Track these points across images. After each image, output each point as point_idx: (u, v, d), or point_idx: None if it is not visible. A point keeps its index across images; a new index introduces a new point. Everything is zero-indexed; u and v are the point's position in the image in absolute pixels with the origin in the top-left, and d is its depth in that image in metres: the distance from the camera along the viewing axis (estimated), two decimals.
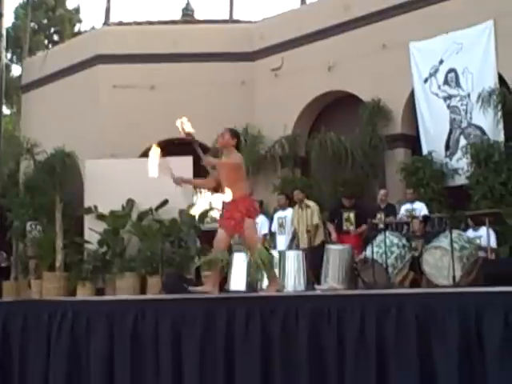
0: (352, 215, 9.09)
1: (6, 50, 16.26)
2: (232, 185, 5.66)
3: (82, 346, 4.75)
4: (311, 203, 9.42)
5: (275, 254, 7.21)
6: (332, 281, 7.49)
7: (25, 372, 5.01)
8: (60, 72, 13.85)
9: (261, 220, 9.48)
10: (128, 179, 10.92)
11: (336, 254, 7.69)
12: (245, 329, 4.04)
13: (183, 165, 10.93)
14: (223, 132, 5.91)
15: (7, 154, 13.41)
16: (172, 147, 11.85)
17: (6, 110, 19.61)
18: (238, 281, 8.25)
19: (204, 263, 6.18)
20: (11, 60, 20.78)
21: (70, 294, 9.99)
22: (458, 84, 10.29)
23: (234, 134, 5.88)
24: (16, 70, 21.42)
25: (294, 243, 9.41)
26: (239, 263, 8.58)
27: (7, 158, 13.16)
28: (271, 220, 9.75)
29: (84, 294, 9.75)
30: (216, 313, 4.25)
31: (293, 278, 7.61)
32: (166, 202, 10.71)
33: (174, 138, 12.25)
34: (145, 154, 12.10)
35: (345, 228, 9.07)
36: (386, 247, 7.33)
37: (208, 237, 11.12)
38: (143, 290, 9.62)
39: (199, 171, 10.99)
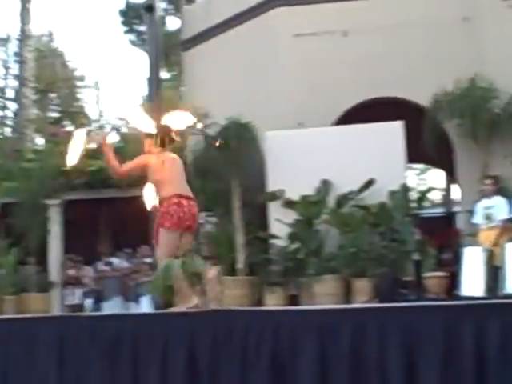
0: None
1: None
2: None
3: (286, 363, 5.18)
4: None
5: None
6: None
7: None
8: (227, 21, 14.46)
9: (498, 202, 9.53)
10: (321, 154, 11.32)
11: None
12: None
13: (392, 131, 11.16)
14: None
15: None
16: (378, 108, 12.14)
17: (164, 74, 20.89)
18: (472, 284, 8.40)
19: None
20: (166, 11, 22.07)
21: (255, 302, 10.57)
22: None
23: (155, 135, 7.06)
24: (173, 24, 22.70)
25: None
26: (473, 261, 8.70)
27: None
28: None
29: (274, 302, 10.30)
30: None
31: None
32: (371, 182, 10.95)
33: (378, 97, 12.55)
34: (342, 121, 12.49)
35: None
36: None
37: (428, 225, 11.33)
38: (348, 297, 9.99)
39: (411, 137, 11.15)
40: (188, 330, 5.65)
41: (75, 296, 16.49)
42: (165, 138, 7.09)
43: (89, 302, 16.06)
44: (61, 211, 16.53)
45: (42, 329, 6.45)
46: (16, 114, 26.94)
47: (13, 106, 29.79)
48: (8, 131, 28.48)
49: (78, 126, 32.35)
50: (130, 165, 7.13)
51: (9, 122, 29.99)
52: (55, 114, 33.11)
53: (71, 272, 16.80)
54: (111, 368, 5.90)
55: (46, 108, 32.42)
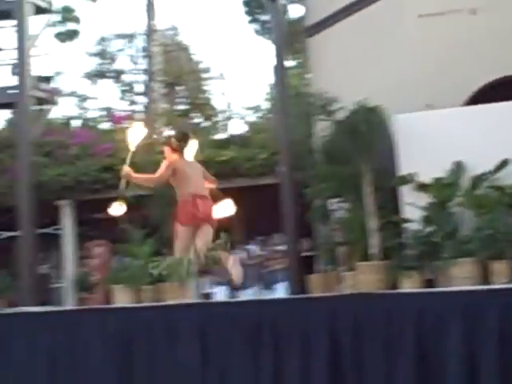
0: None
1: None
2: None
3: (430, 347, 5.22)
4: None
5: None
6: None
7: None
8: (351, 5, 14.47)
9: None
10: (452, 136, 11.21)
11: None
12: None
13: None
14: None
15: (296, 115, 14.45)
16: (509, 86, 11.88)
17: (289, 62, 21.07)
18: None
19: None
20: None
21: (391, 287, 10.59)
22: None
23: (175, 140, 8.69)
24: (296, 11, 22.85)
25: None
26: None
27: (299, 120, 14.12)
28: None
29: (409, 287, 10.28)
30: None
31: None
32: (506, 162, 10.77)
33: (508, 75, 12.28)
34: (472, 101, 12.30)
35: None
36: None
37: None
38: (485, 280, 9.86)
39: None
40: (328, 314, 5.74)
41: (211, 285, 16.93)
42: (182, 144, 8.62)
43: (223, 291, 16.44)
44: None
45: (182, 316, 6.64)
46: (146, 107, 27.74)
47: (142, 100, 30.68)
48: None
49: (206, 117, 33.06)
50: (160, 172, 8.55)
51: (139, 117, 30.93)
52: (183, 107, 33.90)
53: None
54: (253, 354, 6.03)
55: (174, 101, 33.22)
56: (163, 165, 8.64)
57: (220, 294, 16.30)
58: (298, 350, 5.80)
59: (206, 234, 8.60)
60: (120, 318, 7.02)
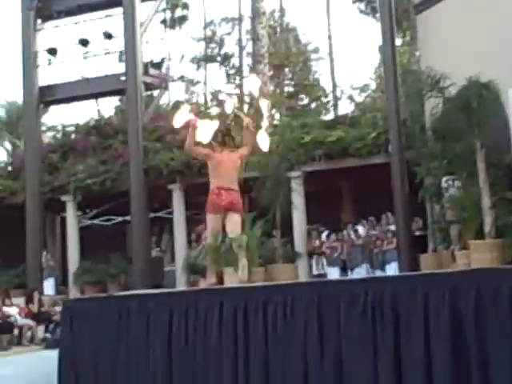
0: None
1: None
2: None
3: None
4: None
5: None
6: None
7: None
8: None
9: None
10: None
11: None
12: None
13: None
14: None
15: (406, 93, 14.33)
16: None
17: (397, 41, 20.86)
18: None
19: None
20: None
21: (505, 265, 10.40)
22: None
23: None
24: None
25: None
26: None
27: (408, 98, 14.00)
28: None
29: None
30: None
31: None
32: None
33: None
34: None
35: None
36: None
37: None
38: None
39: None
40: (449, 289, 5.68)
41: (321, 265, 17.04)
42: (225, 138, 9.11)
43: (333, 271, 16.52)
44: (302, 183, 17.05)
45: (297, 294, 6.67)
46: None
47: None
48: (245, 108, 29.46)
49: (314, 98, 33.08)
50: (200, 149, 9.07)
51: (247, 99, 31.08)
52: (290, 89, 34.00)
53: (316, 242, 17.34)
54: (373, 332, 6.00)
55: (282, 83, 33.35)
56: (205, 150, 9.21)
57: (332, 274, 16.36)
58: (419, 326, 5.75)
59: (233, 223, 9.12)
60: (235, 297, 7.10)
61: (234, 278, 8.81)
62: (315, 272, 17.01)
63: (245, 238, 8.97)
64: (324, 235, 17.48)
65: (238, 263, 8.68)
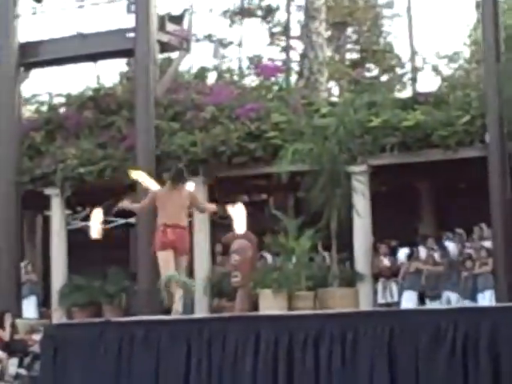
0: None
1: None
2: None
3: None
4: None
5: None
6: None
7: None
8: None
9: None
10: None
11: None
12: None
13: None
14: None
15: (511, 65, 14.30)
16: None
17: None
18: None
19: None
20: None
21: None
22: None
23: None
24: None
25: None
26: None
27: None
28: None
29: None
30: None
31: None
32: None
33: None
34: None
35: None
36: None
37: None
38: None
39: None
40: None
41: (389, 292, 16.93)
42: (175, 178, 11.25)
43: (409, 297, 16.39)
44: (368, 180, 16.98)
45: (360, 326, 6.70)
46: (304, 56, 27.84)
47: (299, 46, 30.82)
48: (294, 79, 29.34)
49: (385, 69, 32.97)
50: (145, 201, 11.54)
51: (295, 67, 31.04)
52: (354, 55, 33.91)
53: (384, 261, 17.23)
54: (463, 378, 6.04)
55: (343, 47, 33.28)
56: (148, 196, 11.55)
57: (408, 302, 16.24)
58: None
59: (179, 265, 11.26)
60: (276, 328, 7.13)
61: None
62: (381, 300, 16.92)
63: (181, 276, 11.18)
64: (404, 253, 17.28)
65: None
